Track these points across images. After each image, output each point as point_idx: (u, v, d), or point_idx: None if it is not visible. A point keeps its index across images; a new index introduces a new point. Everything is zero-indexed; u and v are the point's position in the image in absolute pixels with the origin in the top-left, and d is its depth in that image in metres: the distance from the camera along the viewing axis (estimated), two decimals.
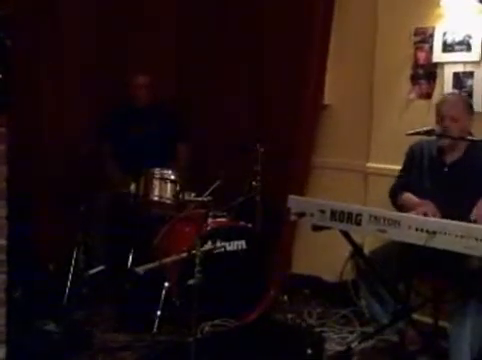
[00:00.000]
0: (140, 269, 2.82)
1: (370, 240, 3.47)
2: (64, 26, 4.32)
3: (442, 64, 3.63)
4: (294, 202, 3.09)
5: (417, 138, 3.22)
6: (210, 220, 3.65)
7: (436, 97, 3.55)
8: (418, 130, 3.05)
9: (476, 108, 3.35)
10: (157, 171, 3.78)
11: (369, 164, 4.00)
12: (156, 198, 3.77)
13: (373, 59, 3.95)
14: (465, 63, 3.53)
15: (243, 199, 3.95)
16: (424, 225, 2.66)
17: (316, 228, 3.02)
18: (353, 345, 3.21)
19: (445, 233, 2.59)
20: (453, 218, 2.71)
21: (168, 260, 3.03)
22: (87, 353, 3.14)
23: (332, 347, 3.33)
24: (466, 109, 3.17)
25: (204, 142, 4.63)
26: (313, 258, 4.23)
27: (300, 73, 4.21)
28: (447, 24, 3.59)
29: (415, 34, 3.71)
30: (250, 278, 3.66)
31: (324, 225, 2.97)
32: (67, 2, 4.32)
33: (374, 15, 3.93)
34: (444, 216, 2.90)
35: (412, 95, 3.77)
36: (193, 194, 3.71)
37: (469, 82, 3.50)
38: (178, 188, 3.73)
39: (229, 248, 3.58)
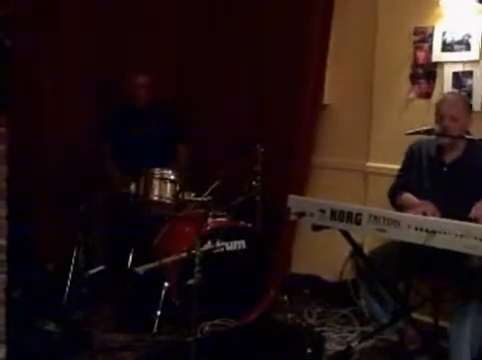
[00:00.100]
0: (140, 269, 2.82)
1: (370, 240, 3.47)
2: (64, 26, 4.32)
3: (441, 63, 3.63)
4: (294, 202, 3.09)
5: (416, 138, 3.23)
6: (210, 220, 3.66)
7: (436, 96, 3.56)
8: (418, 129, 3.05)
9: (475, 107, 3.36)
10: (157, 171, 3.77)
11: (369, 164, 4.01)
12: (156, 198, 3.76)
13: (372, 59, 3.95)
14: (464, 62, 3.53)
15: (243, 199, 3.95)
16: (424, 224, 2.66)
17: (316, 228, 3.02)
18: (353, 345, 3.21)
19: (445, 232, 2.59)
20: (452, 217, 2.71)
21: (168, 260, 3.03)
22: (87, 353, 3.14)
23: (332, 347, 3.33)
24: (465, 108, 3.18)
25: (204, 142, 4.63)
26: (313, 258, 4.23)
27: (300, 73, 4.21)
28: (446, 24, 3.59)
29: (414, 33, 3.72)
30: (250, 278, 3.66)
31: (324, 225, 2.97)
32: (67, 2, 4.32)
33: (374, 15, 3.93)
34: (443, 215, 2.90)
35: (411, 94, 3.77)
36: (193, 194, 3.71)
37: (468, 81, 3.50)
38: (178, 188, 3.73)
39: (229, 248, 3.58)
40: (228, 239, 3.57)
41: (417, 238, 2.66)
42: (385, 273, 3.07)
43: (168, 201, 3.76)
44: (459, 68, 3.55)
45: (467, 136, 3.10)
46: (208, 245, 3.17)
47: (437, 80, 3.66)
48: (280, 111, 4.37)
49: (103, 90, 4.41)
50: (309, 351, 3.00)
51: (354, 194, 3.93)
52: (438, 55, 3.63)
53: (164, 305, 3.41)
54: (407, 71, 3.77)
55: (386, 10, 3.87)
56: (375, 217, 2.78)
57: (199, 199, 3.72)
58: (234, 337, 3.27)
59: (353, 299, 3.69)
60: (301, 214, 3.01)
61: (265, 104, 4.48)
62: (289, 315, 3.69)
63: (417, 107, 3.73)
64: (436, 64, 3.66)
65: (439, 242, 2.61)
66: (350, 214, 2.86)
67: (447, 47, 3.58)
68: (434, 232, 2.62)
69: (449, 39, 3.57)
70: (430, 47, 3.66)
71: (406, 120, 3.69)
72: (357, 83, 4.10)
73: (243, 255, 3.64)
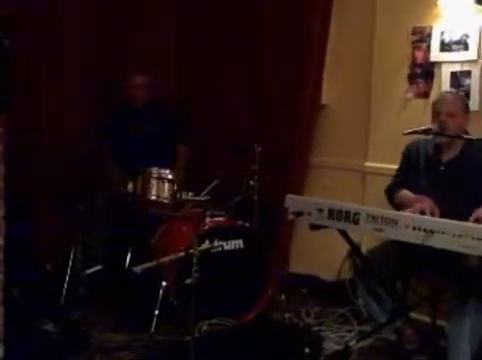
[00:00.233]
0: (138, 268, 2.82)
1: (368, 239, 3.46)
2: (64, 26, 4.33)
3: (440, 63, 3.63)
4: (292, 201, 3.09)
5: (414, 137, 3.23)
6: (208, 219, 3.66)
7: (434, 96, 3.54)
8: (415, 129, 3.05)
9: (473, 107, 3.36)
10: (155, 170, 3.77)
11: (367, 163, 4.01)
12: (154, 197, 3.75)
13: (371, 58, 3.95)
14: (462, 62, 3.53)
15: (241, 198, 3.95)
16: (421, 224, 2.66)
17: (314, 227, 3.02)
18: (351, 344, 3.21)
19: (442, 232, 2.59)
20: (449, 216, 2.72)
21: (166, 259, 3.03)
22: (85, 353, 3.14)
23: (330, 346, 3.34)
24: (463, 107, 3.17)
25: (204, 142, 4.63)
26: (311, 257, 4.23)
27: (299, 73, 4.21)
28: (445, 23, 3.59)
29: (413, 33, 3.72)
30: (248, 277, 3.66)
31: (322, 224, 2.97)
32: (67, 2, 4.33)
33: (372, 15, 3.93)
34: (441, 214, 2.90)
35: (410, 94, 3.77)
36: (191, 193, 3.70)
37: (466, 81, 3.50)
38: (175, 187, 3.73)
39: (227, 247, 3.58)
40: (226, 238, 3.57)
41: (415, 238, 2.65)
42: (383, 272, 3.07)
43: (166, 200, 3.75)
44: (457, 68, 3.55)
45: (465, 136, 3.10)
46: (206, 244, 3.18)
47: (435, 80, 3.66)
48: (279, 111, 4.38)
49: (103, 90, 4.41)
50: (307, 350, 3.00)
51: (352, 194, 3.93)
52: (436, 55, 3.63)
53: (162, 305, 3.40)
54: (405, 71, 3.77)
55: (384, 10, 3.87)
56: (373, 217, 2.78)
57: (197, 198, 3.71)
58: (232, 337, 3.27)
59: (351, 298, 3.70)
60: (299, 213, 3.01)
61: (265, 104, 4.48)
62: (287, 314, 3.69)
63: (415, 107, 3.73)
64: (434, 64, 3.66)
65: (437, 242, 2.60)
66: (348, 214, 2.86)
67: (445, 47, 3.58)
68: (432, 232, 2.62)
69: (447, 39, 3.57)
70: (428, 47, 3.66)
71: (404, 120, 3.69)
72: (355, 83, 4.11)
73: (241, 254, 3.64)
